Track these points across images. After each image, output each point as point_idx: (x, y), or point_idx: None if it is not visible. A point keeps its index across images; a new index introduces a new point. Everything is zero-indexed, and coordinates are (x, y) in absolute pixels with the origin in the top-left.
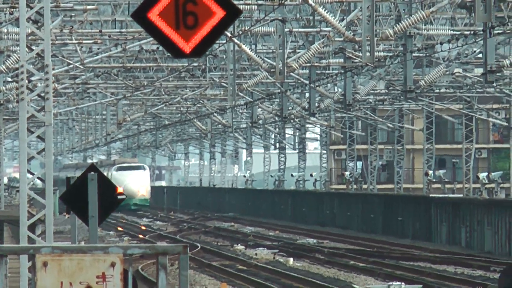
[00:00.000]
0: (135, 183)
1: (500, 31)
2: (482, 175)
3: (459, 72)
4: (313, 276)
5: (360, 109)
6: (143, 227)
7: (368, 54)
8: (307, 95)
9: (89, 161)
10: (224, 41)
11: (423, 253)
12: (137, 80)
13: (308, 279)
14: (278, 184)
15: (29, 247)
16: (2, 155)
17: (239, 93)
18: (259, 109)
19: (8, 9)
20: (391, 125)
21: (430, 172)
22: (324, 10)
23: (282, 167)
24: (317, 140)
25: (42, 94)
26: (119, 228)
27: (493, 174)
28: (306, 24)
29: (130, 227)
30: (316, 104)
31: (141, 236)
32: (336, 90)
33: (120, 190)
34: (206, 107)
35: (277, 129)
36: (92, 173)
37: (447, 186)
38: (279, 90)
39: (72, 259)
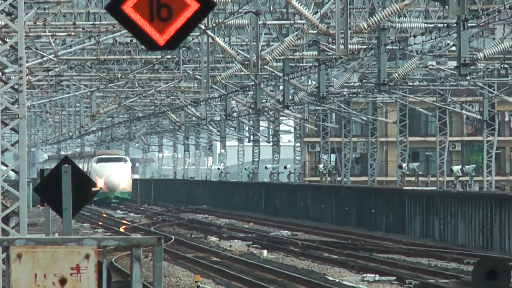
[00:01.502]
0: (116, 175)
1: (473, 24)
2: (456, 168)
3: (433, 65)
4: (287, 268)
5: (334, 101)
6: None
7: (342, 47)
8: (281, 87)
9: (63, 153)
10: (198, 34)
11: (397, 245)
12: (111, 72)
13: (282, 271)
14: (252, 177)
15: (3, 239)
16: None
17: (213, 86)
18: (233, 102)
19: None
20: (365, 118)
21: (404, 165)
22: (298, 3)
23: (256, 159)
24: (291, 132)
25: (16, 87)
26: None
27: (466, 167)
28: (280, 16)
29: (105, 220)
30: (290, 97)
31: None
32: (310, 82)
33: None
34: (180, 100)
35: (251, 122)
36: (66, 165)
37: (421, 179)
38: (253, 83)
39: (46, 251)
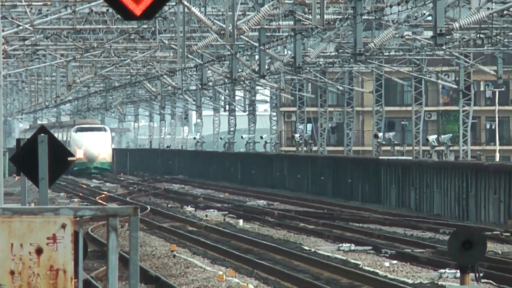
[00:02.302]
0: (96, 145)
1: None
2: (432, 137)
3: (409, 35)
4: (264, 238)
5: (310, 71)
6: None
7: (318, 16)
8: (257, 57)
9: (39, 122)
10: (174, 4)
11: (372, 215)
12: (87, 42)
13: (258, 241)
14: (228, 147)
15: None
16: None
17: (189, 55)
18: (209, 71)
19: None
20: (341, 88)
21: (380, 134)
22: None
23: (232, 129)
24: (267, 102)
25: None
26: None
27: (442, 136)
28: None
29: (82, 190)
30: (266, 67)
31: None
32: (286, 52)
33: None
34: (156, 69)
35: (227, 91)
36: (42, 134)
37: (397, 148)
38: (229, 53)
39: (23, 221)
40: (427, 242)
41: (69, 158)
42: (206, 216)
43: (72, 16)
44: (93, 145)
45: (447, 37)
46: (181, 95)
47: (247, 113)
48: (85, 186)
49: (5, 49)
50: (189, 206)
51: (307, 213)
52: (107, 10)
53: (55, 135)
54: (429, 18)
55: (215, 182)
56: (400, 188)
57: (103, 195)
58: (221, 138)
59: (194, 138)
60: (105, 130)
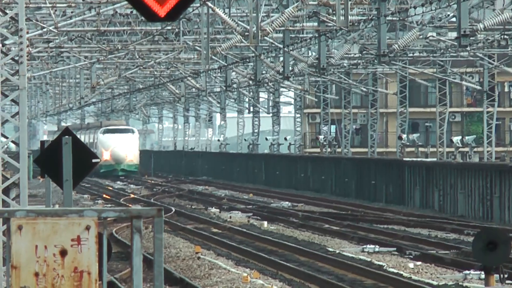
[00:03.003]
0: (123, 147)
1: None
2: (456, 138)
3: (433, 36)
4: (288, 239)
5: (334, 73)
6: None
7: (342, 18)
8: (281, 59)
9: (63, 124)
10: (198, 5)
11: (396, 216)
12: (111, 43)
13: (282, 242)
14: (252, 148)
15: (3, 210)
16: None
17: (213, 57)
18: (233, 73)
19: None
20: (365, 89)
21: (404, 135)
22: None
23: (256, 131)
24: (291, 104)
25: (16, 58)
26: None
27: (466, 137)
28: None
29: (104, 191)
30: (290, 68)
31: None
32: (310, 54)
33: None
34: (180, 71)
35: (251, 93)
36: (67, 136)
37: (421, 149)
38: (253, 54)
39: (47, 223)
40: (451, 243)
41: (93, 160)
42: (230, 217)
43: (96, 18)
44: (120, 146)
45: (471, 38)
46: (205, 97)
47: (271, 114)
48: (111, 188)
49: (30, 51)
50: (213, 208)
51: (331, 215)
52: (131, 11)
53: (82, 136)
54: (453, 19)
55: (239, 184)
56: (424, 189)
57: (130, 197)
58: (245, 140)
59: (218, 140)
60: (132, 131)
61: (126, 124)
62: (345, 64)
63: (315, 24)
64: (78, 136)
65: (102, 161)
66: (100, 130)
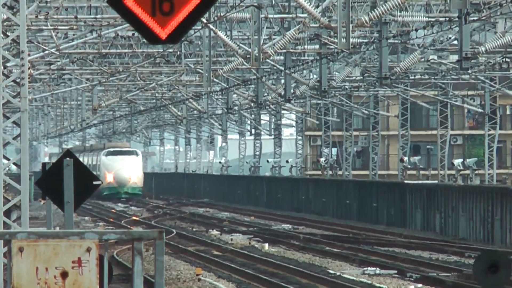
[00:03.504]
0: (126, 169)
1: (475, 18)
2: (457, 161)
3: (434, 59)
4: (289, 261)
5: (336, 95)
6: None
7: (343, 40)
8: (282, 81)
9: (65, 147)
10: (200, 27)
11: (398, 238)
12: (112, 66)
13: (283, 265)
14: (254, 170)
15: (4, 232)
16: None
17: (215, 79)
18: (235, 95)
19: None
20: (366, 112)
21: (405, 158)
22: None
23: (257, 153)
24: (292, 126)
25: (18, 80)
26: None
27: (468, 160)
28: (281, 10)
29: (105, 213)
30: (292, 91)
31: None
32: (311, 76)
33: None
34: (182, 93)
35: (252, 115)
36: (68, 158)
37: (422, 172)
38: (254, 76)
39: (48, 245)
40: (453, 265)
41: (95, 182)
42: (232, 239)
43: (97, 40)
44: (124, 169)
45: (472, 61)
46: (206, 119)
47: (272, 137)
48: (114, 211)
49: (31, 73)
50: (214, 230)
51: (332, 237)
52: (133, 34)
53: (85, 159)
54: (455, 42)
55: (240, 206)
56: (425, 212)
57: (133, 219)
58: (246, 162)
59: (220, 162)
60: (136, 154)
61: (129, 146)
62: (346, 87)
63: (317, 46)
64: (81, 159)
65: (105, 183)
66: (103, 152)
